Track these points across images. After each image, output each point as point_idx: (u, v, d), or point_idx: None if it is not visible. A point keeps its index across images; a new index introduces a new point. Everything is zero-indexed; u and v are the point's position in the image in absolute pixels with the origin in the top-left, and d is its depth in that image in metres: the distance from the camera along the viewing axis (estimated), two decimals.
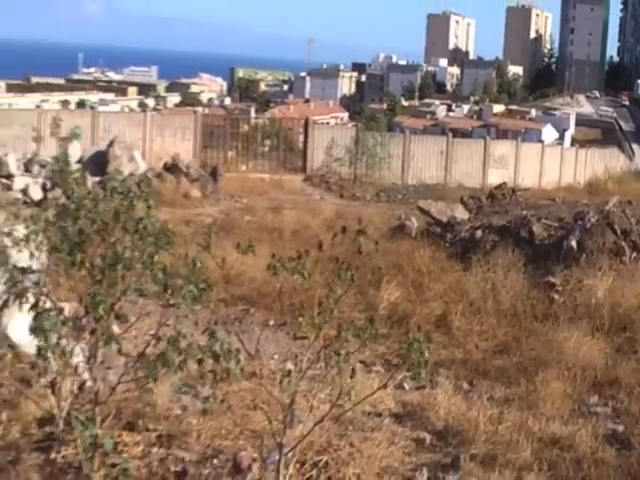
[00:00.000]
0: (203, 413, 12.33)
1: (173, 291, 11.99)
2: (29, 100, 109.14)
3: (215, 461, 11.60)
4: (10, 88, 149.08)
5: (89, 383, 12.69)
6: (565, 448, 12.35)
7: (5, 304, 12.69)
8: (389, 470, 11.63)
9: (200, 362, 11.49)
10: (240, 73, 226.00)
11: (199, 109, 61.93)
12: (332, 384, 11.68)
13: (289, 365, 14.84)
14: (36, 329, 11.73)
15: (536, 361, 15.76)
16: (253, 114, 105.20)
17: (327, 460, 11.53)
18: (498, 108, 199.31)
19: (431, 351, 11.19)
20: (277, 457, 10.97)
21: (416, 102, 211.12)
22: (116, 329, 13.04)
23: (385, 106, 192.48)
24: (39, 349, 11.90)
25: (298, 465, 11.28)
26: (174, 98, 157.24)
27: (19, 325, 12.44)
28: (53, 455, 11.53)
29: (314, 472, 11.28)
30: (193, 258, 11.97)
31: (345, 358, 11.01)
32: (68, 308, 12.97)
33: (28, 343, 12.26)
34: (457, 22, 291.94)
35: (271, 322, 17.55)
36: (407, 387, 14.80)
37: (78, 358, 12.66)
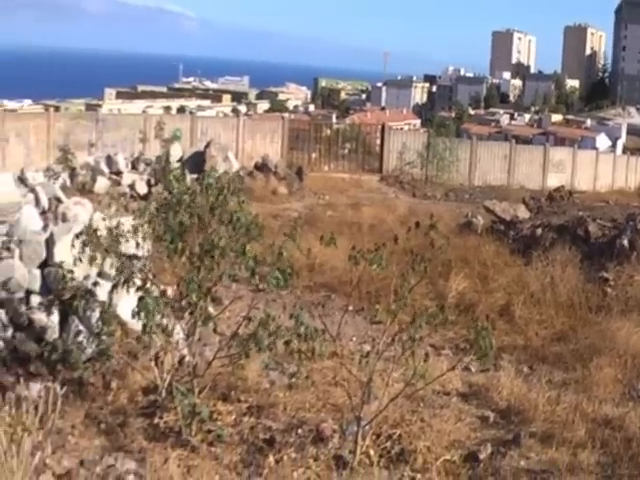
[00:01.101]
0: (289, 387, 12.44)
1: (261, 277, 12.12)
2: (136, 106, 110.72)
3: (299, 431, 11.66)
4: (119, 95, 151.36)
5: (188, 358, 12.85)
6: (616, 428, 12.20)
7: (115, 286, 12.90)
8: (456, 444, 11.60)
9: (288, 343, 11.60)
10: (323, 83, 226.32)
11: (286, 115, 62.11)
12: (405, 365, 11.65)
13: (366, 347, 14.88)
14: (142, 309, 11.94)
15: (590, 349, 15.57)
16: (334, 120, 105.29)
17: (400, 433, 11.52)
18: (556, 118, 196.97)
19: (495, 337, 11.16)
20: (355, 429, 11.02)
21: (482, 111, 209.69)
22: (212, 310, 13.19)
23: (453, 114, 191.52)
24: (144, 326, 12.11)
25: (374, 437, 11.30)
26: (263, 105, 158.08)
27: (127, 305, 12.61)
28: (156, 420, 11.70)
29: (388, 444, 11.28)
30: (280, 247, 12.09)
31: (418, 342, 11.04)
32: (170, 291, 13.12)
33: (135, 321, 12.45)
34: (519, 39, 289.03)
35: (350, 307, 17.54)
36: (473, 369, 14.73)
37: (178, 335, 12.82)
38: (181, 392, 11.55)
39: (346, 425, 11.51)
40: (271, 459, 10.75)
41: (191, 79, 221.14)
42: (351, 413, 11.33)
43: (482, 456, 11.28)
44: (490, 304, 18.14)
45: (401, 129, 74.73)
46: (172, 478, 9.92)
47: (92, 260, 12.83)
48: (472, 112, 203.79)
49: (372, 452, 11.06)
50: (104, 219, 13.95)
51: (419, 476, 10.80)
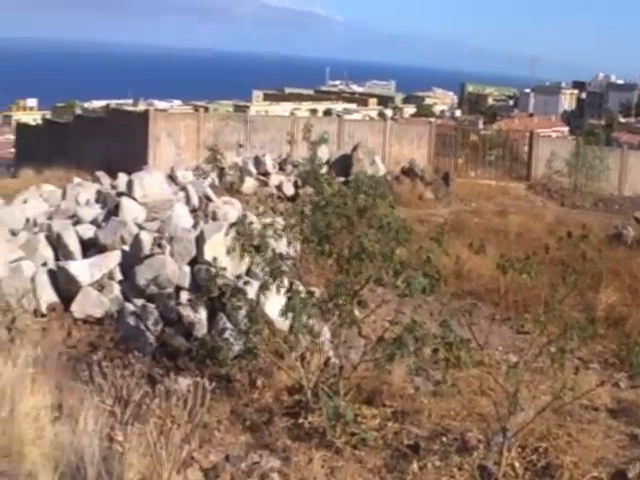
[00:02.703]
0: (434, 394, 12.34)
1: (409, 282, 12.08)
2: (282, 108, 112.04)
3: (444, 438, 11.59)
4: (267, 97, 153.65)
5: (333, 360, 12.92)
6: None
7: (264, 285, 13.08)
8: (604, 461, 11.31)
9: (435, 351, 11.54)
10: (470, 88, 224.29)
11: (432, 120, 61.91)
12: (553, 377, 11.42)
13: (512, 357, 14.68)
14: (289, 309, 12.07)
15: None
16: (481, 126, 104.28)
17: (547, 447, 11.31)
18: None
19: None
20: (501, 440, 10.87)
21: (632, 119, 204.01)
22: (358, 313, 13.21)
23: (603, 122, 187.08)
24: (291, 326, 12.25)
25: (519, 449, 11.12)
26: (410, 109, 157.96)
27: (275, 304, 12.77)
28: (301, 420, 11.81)
29: (534, 457, 11.09)
30: (427, 253, 12.03)
31: (568, 355, 10.82)
32: (317, 292, 13.23)
33: (282, 320, 12.60)
34: None
35: (496, 316, 17.34)
36: (622, 385, 14.33)
37: (324, 337, 12.91)
38: (326, 393, 11.63)
39: (491, 435, 11.36)
40: (415, 466, 10.69)
41: (337, 82, 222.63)
42: (497, 423, 11.16)
43: (631, 475, 10.96)
44: None
45: (549, 136, 73.34)
46: (316, 479, 9.99)
47: (242, 255, 13.05)
48: (623, 120, 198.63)
49: (517, 464, 10.89)
50: (257, 217, 14.19)
51: None
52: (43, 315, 15.33)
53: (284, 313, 12.12)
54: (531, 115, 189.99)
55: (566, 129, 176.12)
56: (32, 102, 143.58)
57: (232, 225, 13.20)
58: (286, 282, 12.62)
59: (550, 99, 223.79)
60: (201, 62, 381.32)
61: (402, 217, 13.03)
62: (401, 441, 11.47)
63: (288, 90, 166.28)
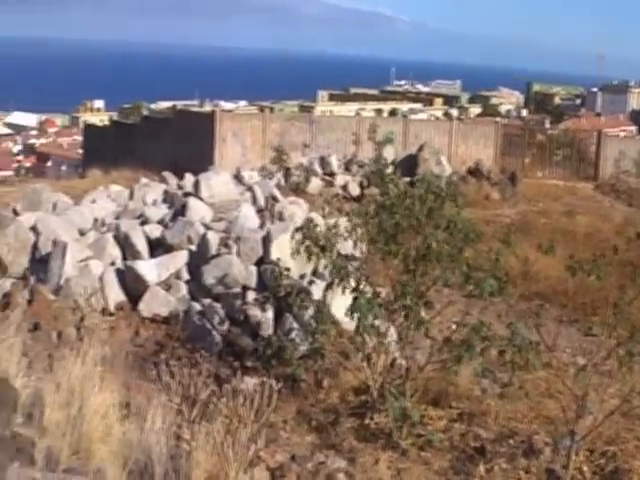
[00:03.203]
0: (501, 396, 12.24)
1: (477, 284, 12.02)
2: (347, 108, 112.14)
3: (511, 441, 11.49)
4: (332, 97, 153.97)
5: (399, 360, 12.89)
6: None
7: (330, 286, 13.09)
8: None
9: (502, 353, 11.46)
10: (536, 87, 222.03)
11: (498, 119, 61.49)
12: (622, 381, 11.27)
13: (580, 359, 14.50)
14: (355, 309, 12.06)
15: None
16: (547, 125, 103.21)
17: (615, 451, 11.14)
18: None
19: None
20: (569, 443, 10.74)
21: None
22: (424, 315, 13.16)
23: None
24: (357, 327, 12.24)
25: (587, 453, 10.98)
26: (475, 109, 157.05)
27: (341, 304, 12.77)
28: (367, 421, 11.80)
29: (602, 461, 10.93)
30: (496, 254, 11.95)
31: (636, 357, 10.66)
32: (384, 293, 13.20)
33: (348, 321, 12.60)
34: None
35: (564, 318, 17.14)
36: None
37: (391, 338, 12.87)
38: (393, 394, 11.60)
39: (559, 439, 11.23)
40: (481, 468, 10.62)
41: (402, 82, 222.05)
42: (564, 427, 11.04)
43: None
44: None
45: (617, 136, 72.29)
46: (382, 479, 9.97)
47: (309, 256, 13.08)
48: None
49: (585, 468, 10.76)
50: (323, 218, 14.21)
51: None
52: (111, 314, 15.52)
53: (350, 313, 12.09)
54: (598, 114, 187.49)
55: (634, 128, 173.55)
56: (99, 103, 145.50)
57: (298, 229, 13.22)
58: (352, 282, 12.62)
59: (618, 98, 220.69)
60: (267, 63, 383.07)
61: (469, 218, 12.96)
62: (467, 443, 11.39)
63: (353, 90, 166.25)
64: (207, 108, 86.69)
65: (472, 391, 12.87)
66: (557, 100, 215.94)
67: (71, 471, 6.57)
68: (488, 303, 14.45)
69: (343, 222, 13.60)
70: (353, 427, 11.69)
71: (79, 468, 6.94)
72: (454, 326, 13.49)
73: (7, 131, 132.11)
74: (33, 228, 17.43)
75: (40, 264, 16.61)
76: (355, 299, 12.19)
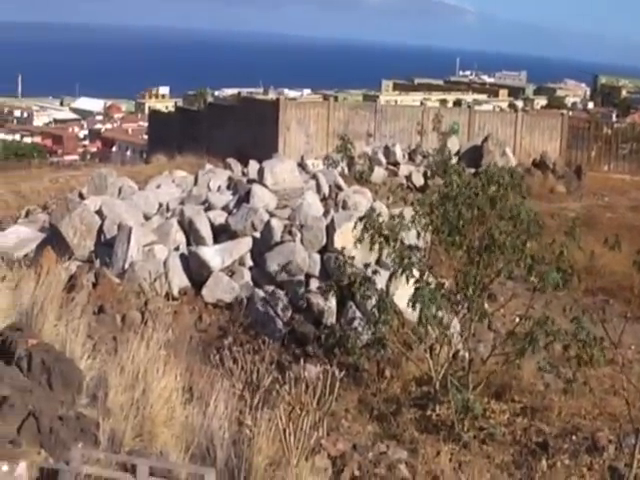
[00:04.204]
0: (564, 392, 12.11)
1: (538, 276, 11.90)
2: (412, 98, 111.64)
3: (574, 437, 11.37)
4: (396, 87, 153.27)
5: (462, 352, 12.80)
6: None
7: (393, 275, 13.04)
8: None
9: (566, 347, 11.33)
10: (602, 80, 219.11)
11: (564, 112, 60.79)
12: None
13: None
14: (418, 299, 11.99)
15: None
16: (614, 118, 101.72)
17: None
18: None
19: None
20: (633, 441, 10.59)
21: None
22: (487, 307, 13.06)
23: None
24: (420, 317, 12.17)
25: None
26: (541, 101, 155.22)
27: (404, 294, 12.71)
28: (428, 412, 11.76)
29: None
30: (560, 246, 11.81)
31: None
32: (447, 283, 13.12)
33: (411, 311, 12.53)
34: None
35: (629, 314, 16.88)
36: None
37: (454, 329, 12.80)
38: (455, 386, 11.53)
39: (623, 436, 11.09)
40: (544, 463, 10.53)
41: (467, 73, 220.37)
42: (629, 424, 10.88)
43: None
44: None
45: None
46: (443, 472, 9.91)
47: (372, 245, 13.05)
48: None
49: None
50: (388, 207, 14.17)
51: None
52: (175, 299, 15.60)
53: (413, 304, 12.03)
54: None
55: None
56: (164, 90, 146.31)
57: (361, 218, 13.19)
58: (416, 273, 12.55)
59: None
60: (330, 51, 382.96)
61: (533, 209, 12.83)
62: (530, 438, 11.31)
63: (417, 80, 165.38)
64: (271, 96, 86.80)
65: (535, 385, 12.76)
66: (624, 93, 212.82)
67: (134, 453, 6.59)
68: (552, 297, 14.30)
69: (408, 212, 13.53)
70: (415, 418, 11.66)
71: (142, 450, 6.97)
72: (517, 319, 13.37)
73: (73, 116, 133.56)
74: (99, 212, 17.59)
75: (105, 248, 16.75)
76: (418, 289, 12.12)
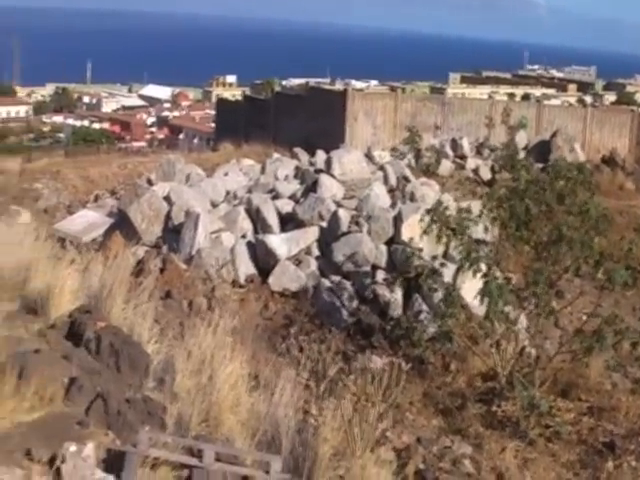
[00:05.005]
0: (632, 392, 11.94)
1: (609, 274, 11.72)
2: (479, 91, 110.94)
3: None
4: (464, 80, 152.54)
5: (528, 349, 12.66)
6: None
7: (460, 269, 12.94)
8: None
9: (635, 345, 11.16)
10: None
11: (635, 108, 59.85)
12: None
13: None
14: (485, 294, 11.89)
15: None
16: None
17: None
18: None
19: None
20: None
21: None
22: (555, 304, 12.91)
23: None
24: (487, 312, 12.06)
25: None
26: (610, 97, 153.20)
27: (471, 288, 12.60)
28: (494, 408, 11.64)
29: None
30: (629, 244, 11.64)
31: None
32: (515, 279, 12.99)
33: (477, 305, 12.44)
34: None
35: None
36: None
37: (520, 325, 12.66)
38: (521, 383, 11.41)
39: None
40: (610, 464, 10.35)
41: (536, 67, 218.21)
42: None
43: None
44: None
45: None
46: (508, 468, 9.82)
47: (439, 238, 12.97)
48: None
49: None
50: (455, 200, 14.07)
51: None
52: (241, 286, 15.67)
53: (480, 298, 11.94)
54: None
55: None
56: (231, 78, 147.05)
57: (429, 211, 13.11)
58: (483, 267, 12.44)
59: None
60: (396, 43, 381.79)
61: (601, 204, 12.68)
62: (596, 438, 11.13)
63: (485, 73, 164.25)
64: (338, 86, 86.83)
65: (602, 385, 12.57)
66: None
67: (201, 438, 6.61)
68: (620, 296, 14.09)
69: (475, 205, 13.42)
70: (480, 413, 11.56)
71: (208, 436, 6.98)
72: (585, 317, 13.20)
73: (141, 103, 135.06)
74: (166, 198, 17.72)
75: (173, 233, 16.88)
76: (486, 284, 12.02)
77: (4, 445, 5.43)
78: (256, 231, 16.94)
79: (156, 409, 6.71)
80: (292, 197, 17.96)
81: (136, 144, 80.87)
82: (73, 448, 5.37)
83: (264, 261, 16.02)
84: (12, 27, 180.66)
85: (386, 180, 19.96)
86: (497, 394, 11.89)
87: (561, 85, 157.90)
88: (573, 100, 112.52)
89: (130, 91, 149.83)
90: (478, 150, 32.18)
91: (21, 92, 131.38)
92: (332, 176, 18.18)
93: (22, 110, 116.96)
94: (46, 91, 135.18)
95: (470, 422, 11.24)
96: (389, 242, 15.67)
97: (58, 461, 5.29)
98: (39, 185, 23.67)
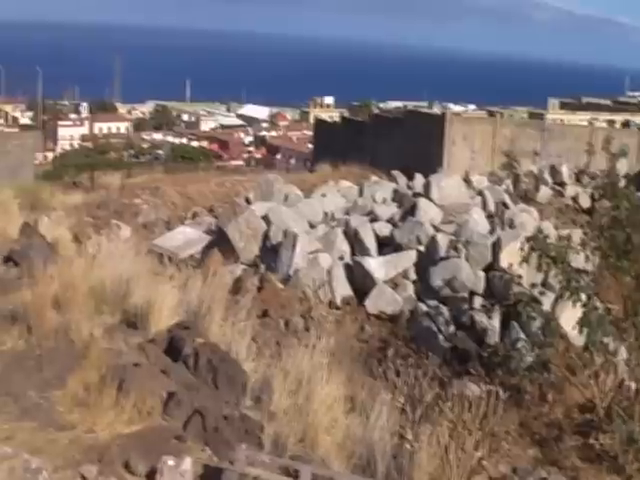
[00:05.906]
0: None
1: None
2: (578, 117, 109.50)
3: None
4: (562, 106, 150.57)
5: (628, 382, 12.40)
6: None
7: (559, 298, 12.77)
8: None
9: None
10: None
11: None
12: None
13: None
14: (584, 324, 11.70)
15: None
16: None
17: None
18: None
19: None
20: None
21: None
22: None
23: None
24: (586, 343, 11.86)
25: None
26: None
27: (570, 318, 12.42)
28: (591, 440, 11.43)
29: None
30: None
31: None
32: (615, 310, 12.76)
33: (576, 335, 12.25)
34: None
35: None
36: None
37: (620, 357, 12.42)
38: (621, 416, 11.17)
39: None
40: None
41: (637, 93, 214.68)
42: None
43: None
44: None
45: None
46: None
47: (539, 267, 12.81)
48: None
49: None
50: (555, 228, 13.90)
51: None
52: (337, 307, 15.70)
53: (579, 328, 11.75)
54: None
55: None
56: (329, 100, 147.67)
57: (529, 239, 12.97)
58: (583, 296, 12.25)
59: None
60: (491, 67, 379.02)
61: None
62: None
63: (585, 99, 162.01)
64: (435, 110, 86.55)
65: None
66: None
67: (298, 459, 6.62)
68: None
69: (575, 234, 13.24)
70: (577, 445, 11.35)
71: (304, 457, 7.00)
72: None
73: (239, 122, 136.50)
74: (264, 217, 17.87)
75: (270, 253, 17.00)
76: (585, 314, 11.83)
77: (104, 456, 5.52)
78: (353, 253, 16.98)
79: (253, 427, 6.75)
80: (390, 220, 17.96)
81: (234, 163, 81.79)
82: (171, 462, 5.44)
83: (361, 283, 16.03)
84: (117, 45, 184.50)
85: (485, 205, 19.84)
86: (595, 427, 11.66)
87: None
88: None
89: (228, 110, 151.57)
90: (577, 177, 31.70)
91: (122, 109, 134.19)
92: (431, 200, 18.15)
93: (122, 126, 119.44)
94: (146, 108, 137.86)
95: (567, 454, 11.06)
96: (487, 269, 15.55)
97: (158, 475, 5.35)
98: (139, 201, 24.04)
